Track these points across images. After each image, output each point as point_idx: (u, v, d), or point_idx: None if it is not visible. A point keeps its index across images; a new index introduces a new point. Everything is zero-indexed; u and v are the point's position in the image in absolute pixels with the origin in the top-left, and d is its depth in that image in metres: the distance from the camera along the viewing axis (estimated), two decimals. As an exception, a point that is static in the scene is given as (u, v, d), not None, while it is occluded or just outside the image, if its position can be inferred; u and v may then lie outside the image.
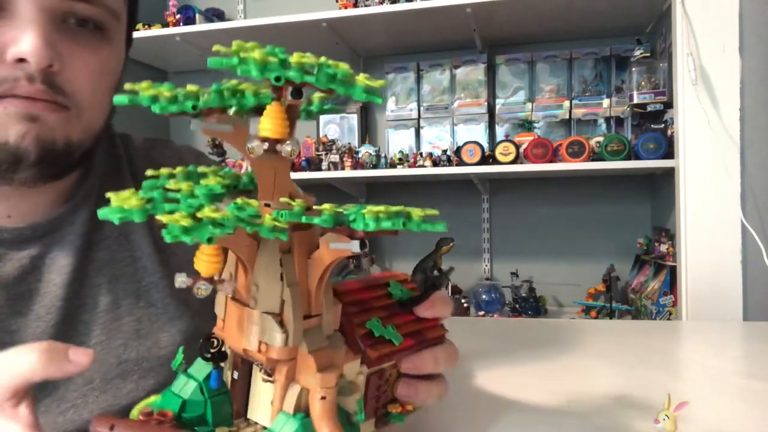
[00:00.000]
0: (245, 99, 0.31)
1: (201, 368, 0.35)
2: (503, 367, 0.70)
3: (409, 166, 1.85)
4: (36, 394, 0.52)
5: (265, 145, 0.31)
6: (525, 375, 0.67)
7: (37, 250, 0.54)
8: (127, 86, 0.29)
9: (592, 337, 0.86)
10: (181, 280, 0.31)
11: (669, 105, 1.60)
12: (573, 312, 1.92)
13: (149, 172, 0.35)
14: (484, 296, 1.93)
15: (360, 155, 1.91)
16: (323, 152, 1.94)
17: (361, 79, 0.29)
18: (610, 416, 0.53)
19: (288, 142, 0.31)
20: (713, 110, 1.45)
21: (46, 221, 0.55)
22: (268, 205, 0.33)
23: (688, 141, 1.48)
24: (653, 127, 1.63)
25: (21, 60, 0.47)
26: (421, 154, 1.86)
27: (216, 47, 0.29)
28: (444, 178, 2.07)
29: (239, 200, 0.29)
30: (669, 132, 1.60)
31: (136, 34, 2.32)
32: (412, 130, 2.10)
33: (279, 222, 0.29)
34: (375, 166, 1.88)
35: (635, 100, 1.64)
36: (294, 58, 0.28)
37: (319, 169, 1.92)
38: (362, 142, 2.08)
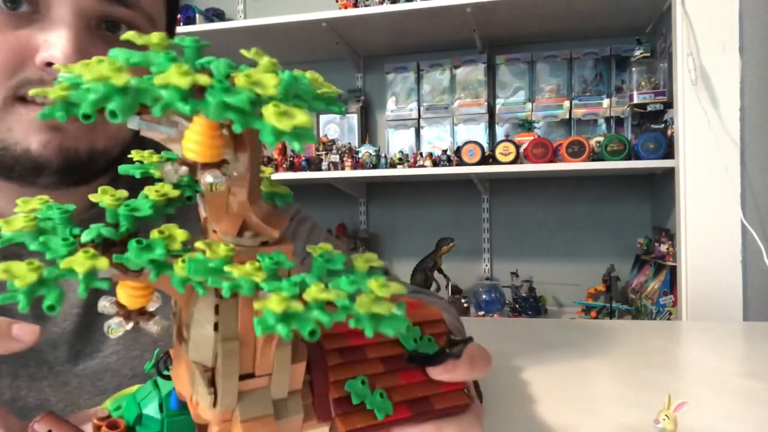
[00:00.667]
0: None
1: (167, 382, 0.31)
2: (503, 368, 0.70)
3: (409, 166, 1.85)
4: (49, 398, 0.52)
5: (182, 170, 0.23)
6: (524, 375, 0.67)
7: None
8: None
9: (592, 337, 0.86)
10: (103, 305, 0.25)
11: (669, 105, 1.60)
12: (573, 312, 1.92)
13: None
14: (484, 296, 1.93)
15: (360, 155, 1.91)
16: (323, 152, 1.94)
17: (271, 115, 0.19)
18: (611, 416, 0.53)
19: (212, 170, 0.22)
20: (713, 110, 1.45)
21: None
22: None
23: (688, 141, 1.48)
24: (653, 127, 1.63)
25: (50, 63, 0.46)
26: (421, 154, 1.86)
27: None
28: (444, 178, 2.07)
29: (155, 232, 0.22)
30: (669, 132, 1.60)
31: (136, 34, 2.28)
32: (412, 130, 2.10)
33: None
34: (375, 166, 1.88)
35: (635, 100, 1.64)
36: (165, 77, 0.19)
37: (319, 169, 1.92)
38: (362, 141, 2.08)
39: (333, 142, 1.98)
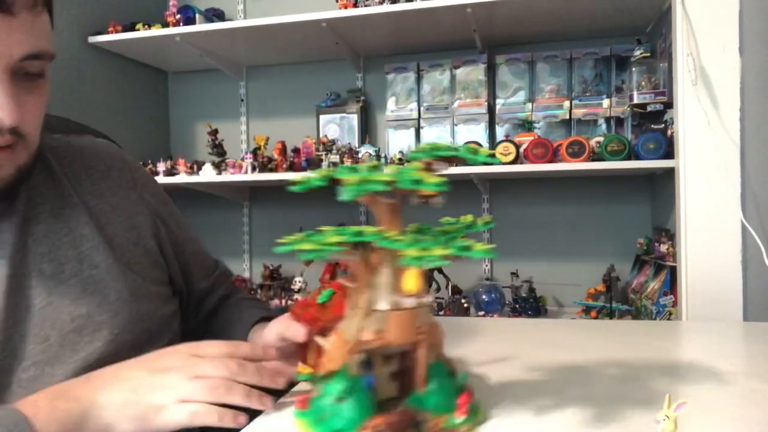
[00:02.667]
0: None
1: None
2: (503, 368, 0.70)
3: (409, 166, 1.85)
4: None
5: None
6: (524, 375, 0.67)
7: None
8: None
9: (592, 338, 0.86)
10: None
11: (669, 105, 1.60)
12: (573, 312, 1.92)
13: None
14: (484, 296, 1.92)
15: (360, 155, 1.91)
16: (323, 152, 1.94)
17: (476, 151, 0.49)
18: (611, 416, 0.53)
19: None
20: (713, 110, 1.45)
21: None
22: None
23: (688, 141, 1.48)
24: (653, 127, 1.63)
25: None
26: (421, 154, 1.86)
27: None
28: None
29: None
30: (669, 132, 1.60)
31: (136, 34, 2.31)
32: (413, 130, 2.09)
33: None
34: (375, 166, 1.88)
35: (635, 100, 1.64)
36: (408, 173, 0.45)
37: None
38: (362, 142, 2.08)
39: (333, 142, 1.98)
